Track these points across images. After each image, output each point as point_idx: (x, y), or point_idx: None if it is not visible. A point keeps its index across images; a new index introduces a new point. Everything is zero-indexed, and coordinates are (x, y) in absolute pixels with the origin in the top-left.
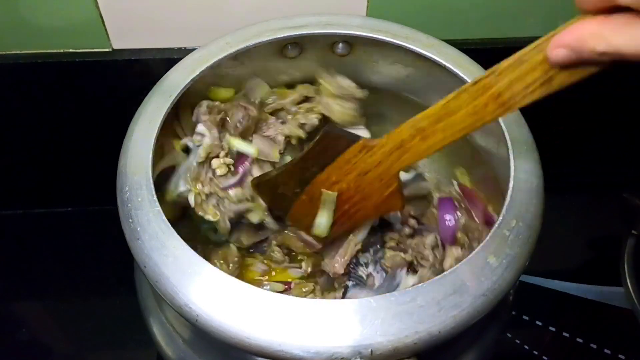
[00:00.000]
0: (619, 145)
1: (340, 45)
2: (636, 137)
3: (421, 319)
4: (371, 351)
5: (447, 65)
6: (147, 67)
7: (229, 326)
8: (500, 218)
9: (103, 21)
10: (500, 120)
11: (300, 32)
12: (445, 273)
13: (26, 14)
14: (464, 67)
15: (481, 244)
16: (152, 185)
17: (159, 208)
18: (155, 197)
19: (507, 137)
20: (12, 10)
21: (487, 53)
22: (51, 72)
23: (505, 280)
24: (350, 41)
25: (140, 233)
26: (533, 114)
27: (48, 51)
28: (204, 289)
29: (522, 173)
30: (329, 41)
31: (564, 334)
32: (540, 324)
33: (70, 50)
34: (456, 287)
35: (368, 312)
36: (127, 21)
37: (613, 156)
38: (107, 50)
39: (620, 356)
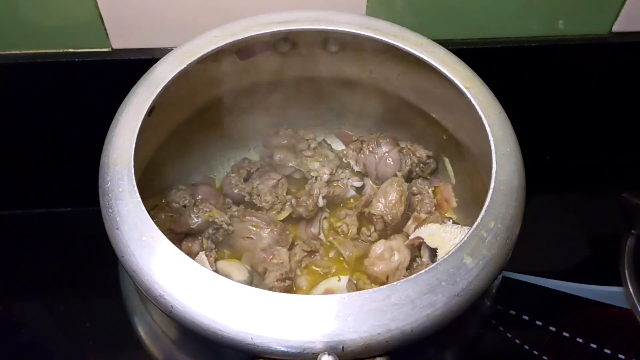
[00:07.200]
0: (619, 145)
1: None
2: (636, 137)
3: (394, 317)
4: (342, 347)
5: (434, 64)
6: (147, 67)
7: (202, 317)
8: (479, 219)
9: (103, 21)
10: (485, 120)
11: (288, 27)
12: (420, 272)
13: (26, 13)
14: (451, 67)
15: (458, 244)
16: (133, 176)
17: (139, 199)
18: (136, 188)
19: (491, 138)
20: (12, 10)
21: (486, 53)
22: (51, 72)
23: (481, 281)
24: (340, 38)
25: (120, 223)
26: (534, 115)
27: (48, 51)
28: (180, 280)
29: (504, 174)
30: (319, 37)
31: (564, 334)
32: (540, 324)
33: (70, 50)
34: (431, 287)
35: (342, 308)
36: (127, 21)
37: (613, 156)
38: (106, 50)
39: (620, 356)
